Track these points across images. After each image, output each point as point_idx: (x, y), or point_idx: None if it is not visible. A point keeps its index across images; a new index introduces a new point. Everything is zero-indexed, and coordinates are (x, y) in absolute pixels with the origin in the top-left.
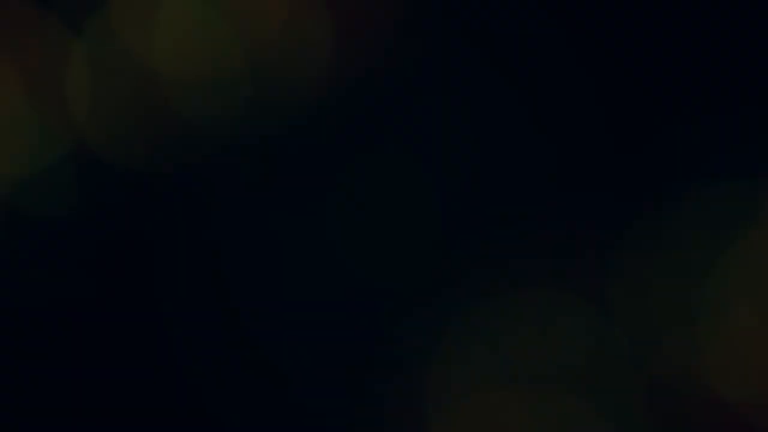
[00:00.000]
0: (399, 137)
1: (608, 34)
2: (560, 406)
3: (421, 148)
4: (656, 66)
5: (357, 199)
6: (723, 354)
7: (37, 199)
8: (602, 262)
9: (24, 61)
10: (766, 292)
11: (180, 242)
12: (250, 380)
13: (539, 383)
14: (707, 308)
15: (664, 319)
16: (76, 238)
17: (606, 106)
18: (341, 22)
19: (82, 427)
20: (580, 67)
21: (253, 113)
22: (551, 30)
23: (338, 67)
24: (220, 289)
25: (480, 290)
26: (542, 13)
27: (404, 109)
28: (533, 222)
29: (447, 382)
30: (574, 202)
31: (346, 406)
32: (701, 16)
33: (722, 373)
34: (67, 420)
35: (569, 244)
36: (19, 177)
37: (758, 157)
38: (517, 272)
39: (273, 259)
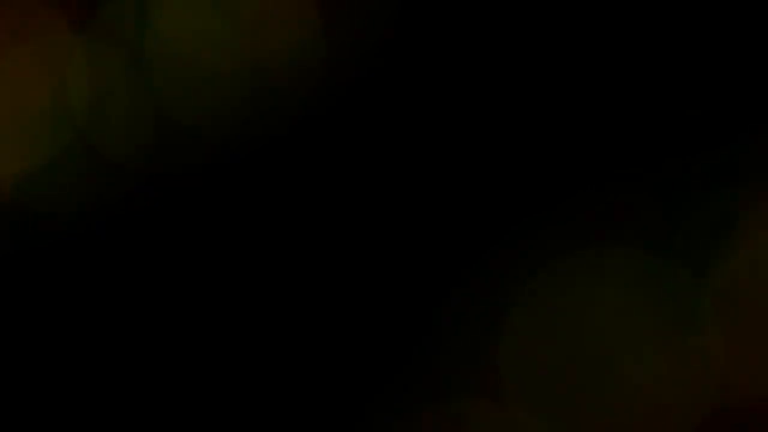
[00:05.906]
0: (397, 137)
1: (608, 34)
2: (563, 406)
3: (419, 147)
4: (656, 66)
5: (355, 199)
6: (725, 353)
7: (36, 198)
8: (602, 261)
9: (25, 59)
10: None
11: (179, 242)
12: (249, 380)
13: (540, 383)
14: (711, 306)
15: (666, 318)
16: (76, 237)
17: (605, 105)
18: (337, 21)
19: (82, 427)
20: (579, 67)
21: (251, 113)
22: (551, 29)
23: (336, 66)
24: (219, 288)
25: (479, 290)
26: (541, 12)
27: (402, 108)
28: (532, 222)
29: (446, 383)
30: (573, 201)
31: (348, 407)
32: (701, 17)
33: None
34: (67, 420)
35: (569, 244)
36: (19, 175)
37: (758, 157)
38: (517, 271)
39: (272, 259)
